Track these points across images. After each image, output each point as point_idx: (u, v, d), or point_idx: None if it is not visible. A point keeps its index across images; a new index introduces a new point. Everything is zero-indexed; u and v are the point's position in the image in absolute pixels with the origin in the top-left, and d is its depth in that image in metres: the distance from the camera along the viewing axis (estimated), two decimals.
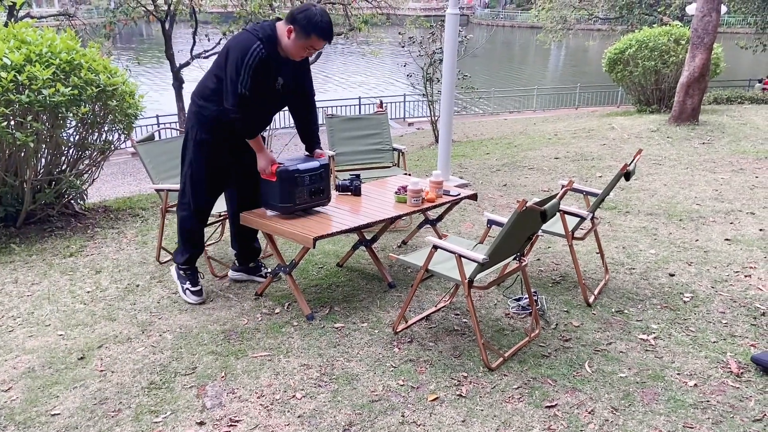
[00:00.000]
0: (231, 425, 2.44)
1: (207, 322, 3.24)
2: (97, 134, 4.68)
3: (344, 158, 4.80)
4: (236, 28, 11.99)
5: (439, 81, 9.80)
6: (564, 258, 4.10)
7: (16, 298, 3.53)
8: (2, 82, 3.84)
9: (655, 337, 3.10)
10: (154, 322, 3.24)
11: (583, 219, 3.41)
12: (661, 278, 3.80)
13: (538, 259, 4.09)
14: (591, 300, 3.45)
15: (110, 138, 4.80)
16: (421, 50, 11.10)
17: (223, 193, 3.53)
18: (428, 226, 4.16)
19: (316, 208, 3.40)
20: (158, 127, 12.98)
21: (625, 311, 3.38)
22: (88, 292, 3.61)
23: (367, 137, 4.91)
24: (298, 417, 2.49)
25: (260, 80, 3.03)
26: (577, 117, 13.25)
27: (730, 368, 2.82)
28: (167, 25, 13.19)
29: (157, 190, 3.92)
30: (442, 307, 3.41)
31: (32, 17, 10.43)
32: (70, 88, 4.09)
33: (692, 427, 2.43)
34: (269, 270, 3.70)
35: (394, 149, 4.90)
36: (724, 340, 3.08)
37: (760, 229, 4.62)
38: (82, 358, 2.91)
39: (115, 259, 4.10)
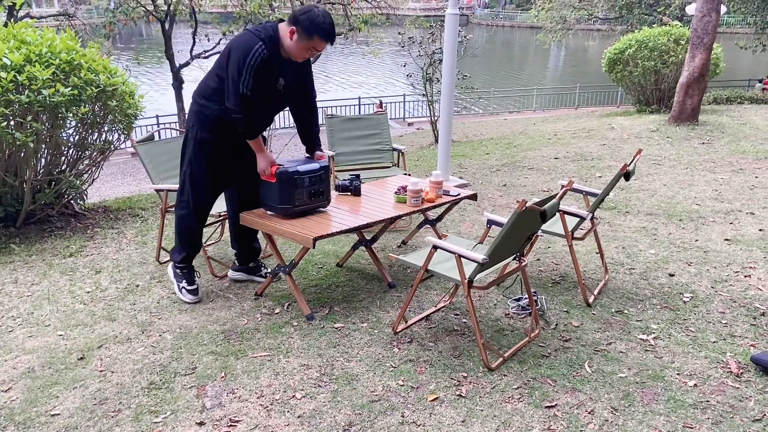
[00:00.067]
0: (231, 425, 2.44)
1: (207, 322, 3.24)
2: (96, 134, 4.68)
3: (344, 158, 4.80)
4: (236, 29, 11.98)
5: (438, 81, 9.82)
6: (564, 258, 4.10)
7: (15, 299, 3.53)
8: (2, 82, 3.84)
9: (654, 337, 3.10)
10: (153, 323, 3.24)
11: (582, 219, 3.41)
12: (661, 278, 3.80)
13: (538, 259, 4.09)
14: (591, 300, 3.45)
15: (110, 138, 4.80)
16: (420, 50, 11.10)
17: (223, 193, 3.53)
18: (428, 226, 4.16)
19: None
20: (158, 127, 12.97)
21: (625, 311, 3.38)
22: (88, 292, 3.61)
23: (367, 137, 4.91)
24: (298, 417, 2.49)
25: (262, 81, 3.03)
26: (577, 117, 13.25)
27: (729, 368, 2.82)
28: (167, 25, 13.18)
29: (157, 191, 3.92)
30: (442, 307, 3.41)
31: (32, 17, 10.41)
32: (69, 89, 4.09)
33: (692, 427, 2.43)
34: (269, 270, 3.70)
35: (394, 149, 4.91)
36: (724, 340, 3.08)
37: (760, 229, 4.62)
38: (81, 358, 2.91)
39: (114, 259, 4.10)
